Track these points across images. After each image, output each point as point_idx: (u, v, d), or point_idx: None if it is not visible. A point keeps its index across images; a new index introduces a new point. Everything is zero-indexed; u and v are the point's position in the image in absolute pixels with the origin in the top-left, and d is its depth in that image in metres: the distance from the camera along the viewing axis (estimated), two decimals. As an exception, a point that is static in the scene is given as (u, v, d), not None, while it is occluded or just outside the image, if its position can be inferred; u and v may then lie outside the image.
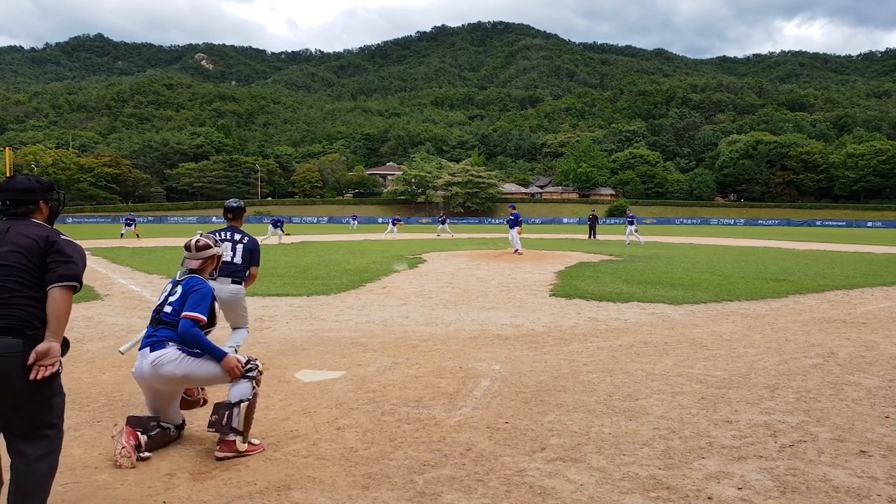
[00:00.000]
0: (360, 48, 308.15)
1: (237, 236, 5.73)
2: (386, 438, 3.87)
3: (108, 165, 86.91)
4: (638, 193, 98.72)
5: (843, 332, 7.46)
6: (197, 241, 3.95)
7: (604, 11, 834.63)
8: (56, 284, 2.59)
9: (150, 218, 74.02)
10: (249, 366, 3.70)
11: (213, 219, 74.54)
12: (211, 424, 3.62)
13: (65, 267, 2.62)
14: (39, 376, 2.52)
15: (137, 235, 32.22)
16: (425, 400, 4.67)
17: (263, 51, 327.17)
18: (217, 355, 3.59)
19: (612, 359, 6.01)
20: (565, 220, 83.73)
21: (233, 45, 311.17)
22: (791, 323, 8.03)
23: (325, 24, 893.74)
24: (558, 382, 5.15)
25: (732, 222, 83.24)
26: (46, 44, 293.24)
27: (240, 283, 5.63)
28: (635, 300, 9.90)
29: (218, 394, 4.22)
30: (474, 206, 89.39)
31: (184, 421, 3.92)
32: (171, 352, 3.56)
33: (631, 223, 27.55)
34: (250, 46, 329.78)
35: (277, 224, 30.45)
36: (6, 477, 2.66)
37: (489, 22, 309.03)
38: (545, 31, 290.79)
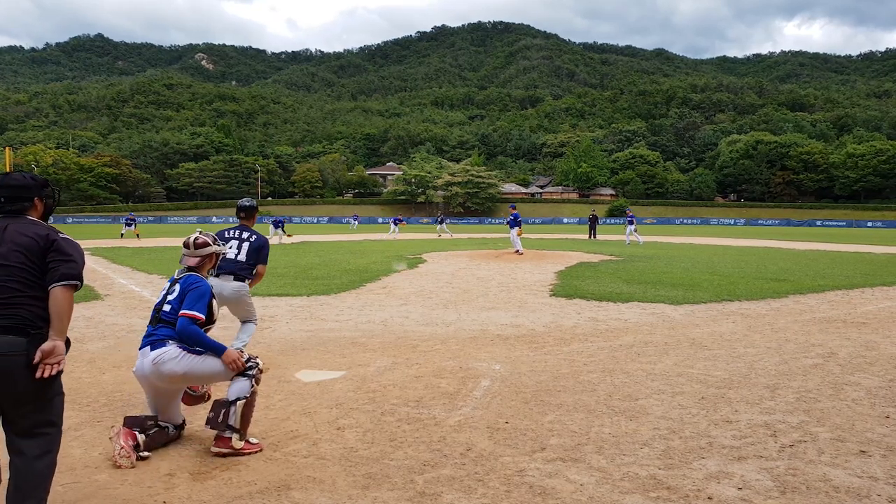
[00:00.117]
0: (360, 48, 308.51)
1: (245, 234, 5.79)
2: (386, 438, 3.87)
3: (108, 165, 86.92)
4: (638, 193, 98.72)
5: (843, 332, 7.46)
6: (195, 239, 3.95)
7: (604, 11, 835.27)
8: (58, 284, 2.61)
9: (150, 218, 74.02)
10: (250, 364, 3.71)
11: (213, 219, 74.59)
12: (208, 421, 3.67)
13: (66, 266, 2.63)
14: (46, 374, 2.55)
15: (137, 235, 32.23)
16: (425, 400, 4.67)
17: (263, 51, 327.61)
18: (217, 350, 3.61)
19: (613, 359, 6.01)
20: (565, 220, 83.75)
21: (233, 45, 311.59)
22: (791, 323, 8.03)
23: (325, 24, 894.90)
24: (558, 382, 5.15)
25: (732, 222, 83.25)
26: (46, 44, 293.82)
27: (242, 281, 5.65)
28: (635, 300, 9.90)
29: (222, 389, 4.22)
30: (474, 206, 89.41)
31: (184, 421, 3.92)
32: (171, 350, 3.57)
33: (631, 223, 27.56)
34: (250, 46, 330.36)
35: (278, 224, 30.46)
36: (5, 476, 2.67)
37: (489, 22, 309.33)
38: (545, 31, 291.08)
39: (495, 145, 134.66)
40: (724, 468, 3.42)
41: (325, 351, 6.39)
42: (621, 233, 36.58)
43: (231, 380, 3.70)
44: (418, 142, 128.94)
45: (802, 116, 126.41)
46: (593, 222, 34.67)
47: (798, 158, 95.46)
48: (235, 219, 5.95)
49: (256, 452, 3.65)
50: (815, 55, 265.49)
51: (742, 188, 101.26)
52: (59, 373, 2.63)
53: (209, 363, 3.62)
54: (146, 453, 3.52)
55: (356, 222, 54.14)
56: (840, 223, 78.11)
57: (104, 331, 7.41)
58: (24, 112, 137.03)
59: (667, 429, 4.04)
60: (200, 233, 4.06)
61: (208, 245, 3.96)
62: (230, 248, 5.68)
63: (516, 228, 19.64)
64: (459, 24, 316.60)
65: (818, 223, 79.23)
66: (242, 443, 3.62)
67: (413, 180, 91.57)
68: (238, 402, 3.64)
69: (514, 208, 21.00)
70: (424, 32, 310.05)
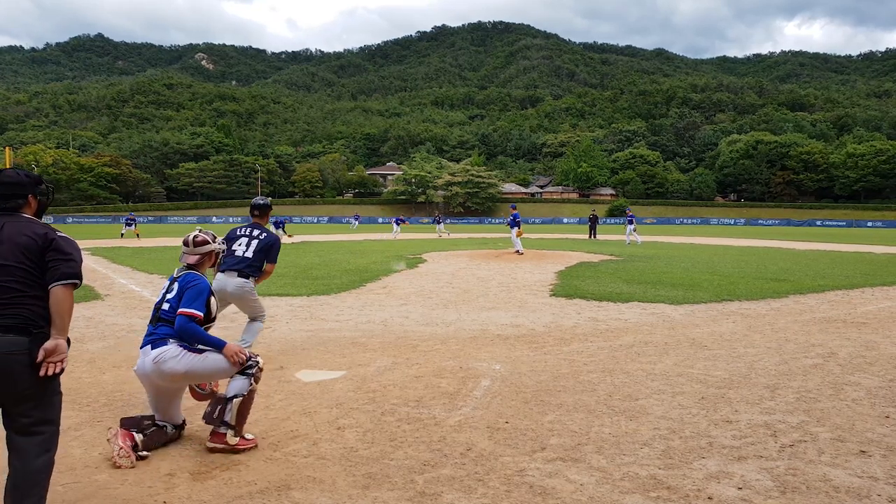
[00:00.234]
0: (360, 48, 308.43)
1: (255, 232, 5.84)
2: (386, 438, 3.87)
3: (108, 165, 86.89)
4: (638, 193, 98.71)
5: (843, 332, 7.46)
6: (195, 237, 3.96)
7: (604, 11, 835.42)
8: (59, 283, 2.62)
9: (150, 218, 74.00)
10: (250, 363, 3.72)
11: (213, 219, 74.60)
12: (205, 416, 3.73)
13: (66, 265, 2.64)
14: (50, 373, 2.58)
15: (138, 235, 32.24)
16: (425, 400, 4.67)
17: (263, 51, 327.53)
18: (217, 345, 3.63)
19: (613, 359, 6.01)
20: (565, 220, 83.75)
21: (233, 45, 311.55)
22: (791, 323, 8.03)
23: (325, 24, 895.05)
24: (558, 382, 5.15)
25: (732, 222, 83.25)
26: (46, 44, 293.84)
27: (247, 278, 5.66)
28: (635, 300, 9.90)
29: (224, 385, 4.22)
30: (474, 205, 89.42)
31: (184, 421, 3.92)
32: (172, 349, 3.58)
33: (630, 223, 27.57)
34: (250, 46, 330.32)
35: (279, 224, 30.46)
36: (2, 477, 2.68)
37: (489, 22, 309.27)
38: (545, 31, 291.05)
39: (495, 145, 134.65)
40: (725, 468, 3.42)
41: (326, 351, 6.39)
42: (621, 233, 36.59)
43: (231, 377, 3.72)
44: (418, 142, 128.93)
45: (802, 116, 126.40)
46: (593, 222, 34.67)
47: (798, 158, 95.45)
48: (247, 217, 6.01)
49: (252, 448, 3.67)
50: (816, 55, 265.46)
51: (742, 188, 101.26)
52: (62, 371, 2.65)
53: (210, 361, 3.63)
54: (145, 453, 3.52)
55: (357, 222, 54.11)
56: (840, 223, 78.12)
57: (104, 331, 7.41)
58: (24, 112, 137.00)
59: (667, 429, 4.04)
60: (200, 231, 4.07)
61: (207, 243, 3.96)
62: (239, 244, 5.73)
63: (515, 229, 19.65)
64: (459, 24, 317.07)
65: (818, 223, 79.23)
66: (237, 439, 3.65)
67: (413, 180, 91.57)
68: (235, 400, 3.66)
69: (514, 208, 21.00)
70: (424, 32, 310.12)
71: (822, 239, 36.48)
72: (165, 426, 3.74)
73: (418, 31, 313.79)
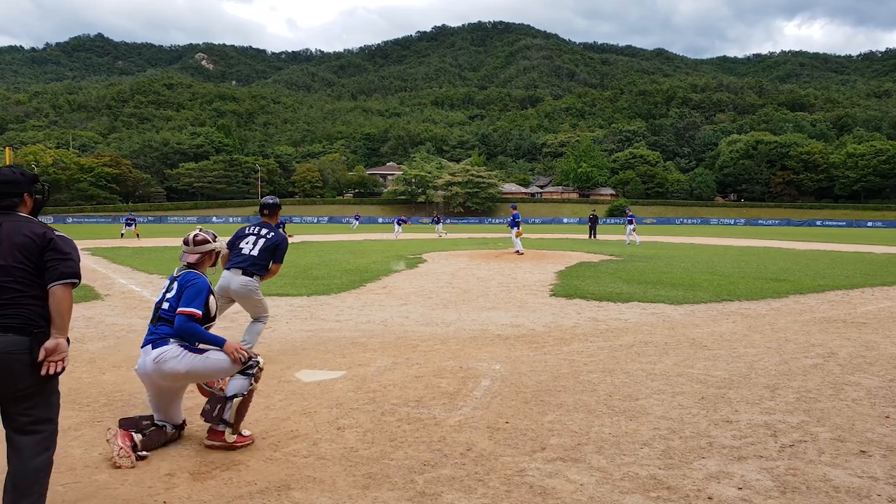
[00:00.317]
0: (360, 48, 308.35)
1: (264, 231, 5.88)
2: (386, 438, 3.87)
3: (108, 165, 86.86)
4: (638, 193, 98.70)
5: (843, 332, 7.46)
6: (195, 236, 3.97)
7: (604, 11, 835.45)
8: (58, 282, 2.63)
9: (150, 218, 73.99)
10: (251, 363, 3.73)
11: (213, 219, 74.53)
12: (203, 413, 3.74)
13: (64, 265, 2.65)
14: (51, 372, 2.59)
15: (138, 235, 32.25)
16: (425, 400, 4.67)
17: (263, 51, 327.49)
18: (217, 343, 3.65)
19: (613, 359, 6.01)
20: (565, 220, 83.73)
21: (233, 45, 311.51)
22: (791, 323, 8.03)
23: (325, 24, 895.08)
24: (558, 382, 5.15)
25: (732, 222, 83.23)
26: (46, 44, 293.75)
27: (251, 276, 5.67)
28: (635, 300, 9.90)
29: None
30: (474, 206, 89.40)
31: (184, 421, 3.92)
32: (172, 349, 3.58)
33: (630, 223, 27.58)
34: (250, 46, 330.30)
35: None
36: (2, 477, 2.68)
37: (489, 22, 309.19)
38: (545, 31, 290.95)
39: (495, 145, 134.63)
40: (725, 468, 3.42)
41: (326, 351, 6.39)
42: (621, 233, 36.59)
43: (232, 377, 3.73)
44: (418, 142, 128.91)
45: (802, 116, 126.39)
46: (593, 222, 34.67)
47: (798, 158, 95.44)
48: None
49: (249, 444, 3.71)
50: (816, 55, 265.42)
51: (742, 188, 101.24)
52: (62, 370, 2.66)
53: (211, 361, 3.64)
54: (144, 453, 3.52)
55: (357, 222, 54.09)
56: (840, 223, 78.10)
57: (104, 331, 7.41)
58: (24, 112, 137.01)
59: (667, 429, 4.04)
60: (200, 230, 4.08)
61: (207, 242, 3.97)
62: (247, 242, 5.76)
63: (515, 229, 19.65)
64: (459, 24, 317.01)
65: (818, 223, 79.22)
66: (235, 437, 3.67)
67: (413, 180, 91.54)
68: (235, 400, 3.68)
69: (514, 208, 21.00)
70: (424, 32, 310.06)
71: (822, 239, 36.48)
72: (165, 426, 3.75)
73: (418, 31, 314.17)
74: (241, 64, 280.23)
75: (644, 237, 30.37)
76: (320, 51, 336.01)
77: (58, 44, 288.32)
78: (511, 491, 3.14)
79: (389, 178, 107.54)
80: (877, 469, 3.41)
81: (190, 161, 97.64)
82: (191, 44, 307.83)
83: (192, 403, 4.26)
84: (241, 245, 5.78)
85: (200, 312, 3.64)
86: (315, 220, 78.58)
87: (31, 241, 2.64)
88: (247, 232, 5.89)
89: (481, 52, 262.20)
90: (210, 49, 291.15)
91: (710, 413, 4.36)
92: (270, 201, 6.04)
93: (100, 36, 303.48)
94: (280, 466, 3.45)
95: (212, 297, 3.79)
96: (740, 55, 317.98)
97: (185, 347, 3.61)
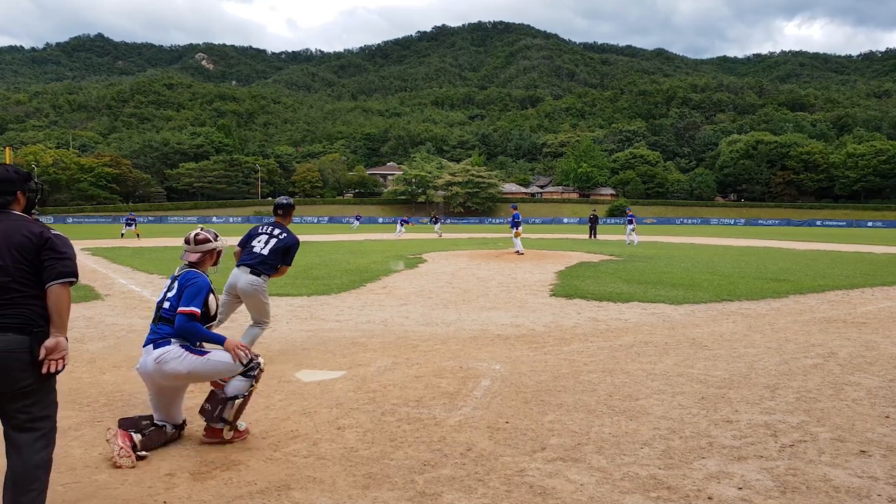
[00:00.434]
0: (361, 48, 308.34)
1: (276, 231, 5.88)
2: (386, 438, 3.87)
3: (108, 165, 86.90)
4: (638, 193, 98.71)
5: (843, 332, 7.46)
6: (196, 235, 3.98)
7: (604, 11, 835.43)
8: (56, 282, 2.64)
9: (150, 218, 73.95)
10: (252, 364, 3.74)
11: (214, 219, 74.54)
12: (203, 411, 3.76)
13: (62, 264, 2.66)
14: (52, 370, 2.61)
15: (138, 235, 32.24)
16: (425, 400, 4.67)
17: (263, 51, 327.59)
18: (218, 341, 3.66)
19: (613, 359, 6.01)
20: (565, 220, 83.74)
21: (233, 45, 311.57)
22: (791, 323, 8.03)
23: (325, 24, 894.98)
24: (559, 382, 5.15)
25: (732, 222, 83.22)
26: (46, 44, 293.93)
27: (259, 275, 5.67)
28: (636, 300, 9.90)
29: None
30: (474, 205, 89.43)
31: (184, 421, 3.92)
32: (174, 349, 3.59)
33: (630, 223, 27.58)
34: (250, 46, 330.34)
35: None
36: (2, 476, 2.68)
37: (489, 22, 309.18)
38: (545, 31, 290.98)
39: (495, 145, 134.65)
40: (725, 468, 3.42)
41: (326, 351, 6.39)
42: (621, 233, 36.59)
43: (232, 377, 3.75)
44: (418, 142, 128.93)
45: (802, 116, 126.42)
46: (593, 222, 34.67)
47: (798, 158, 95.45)
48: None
49: (244, 437, 3.77)
50: (816, 55, 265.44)
51: (742, 188, 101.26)
52: (63, 368, 2.68)
53: (213, 362, 3.65)
54: (144, 453, 3.52)
55: (358, 222, 54.08)
56: (840, 223, 78.10)
57: (104, 331, 7.41)
58: (24, 112, 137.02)
59: (667, 429, 4.04)
60: (202, 229, 4.09)
61: (209, 241, 3.98)
62: (258, 241, 5.78)
63: (515, 229, 19.65)
64: (459, 24, 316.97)
65: (818, 223, 79.22)
66: (232, 433, 3.73)
67: (413, 180, 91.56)
68: (236, 401, 3.70)
69: (515, 209, 21.01)
70: (424, 32, 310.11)
71: (822, 239, 36.48)
72: (164, 426, 3.75)
73: (418, 31, 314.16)
74: (241, 64, 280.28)
75: (644, 237, 30.38)
76: (320, 51, 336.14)
77: (58, 44, 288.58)
78: (511, 491, 3.14)
79: (389, 178, 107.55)
80: (877, 469, 3.41)
81: (190, 161, 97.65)
82: (191, 44, 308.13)
83: (192, 403, 4.26)
84: (252, 244, 5.81)
85: (199, 310, 3.65)
86: (315, 221, 78.52)
87: (28, 240, 2.65)
88: (259, 231, 5.90)
89: (481, 52, 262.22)
90: (210, 49, 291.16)
91: (710, 413, 4.36)
92: (284, 202, 6.03)
93: (100, 36, 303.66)
94: (280, 466, 3.45)
95: (212, 296, 3.80)
96: (740, 55, 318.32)
97: (187, 348, 3.61)
